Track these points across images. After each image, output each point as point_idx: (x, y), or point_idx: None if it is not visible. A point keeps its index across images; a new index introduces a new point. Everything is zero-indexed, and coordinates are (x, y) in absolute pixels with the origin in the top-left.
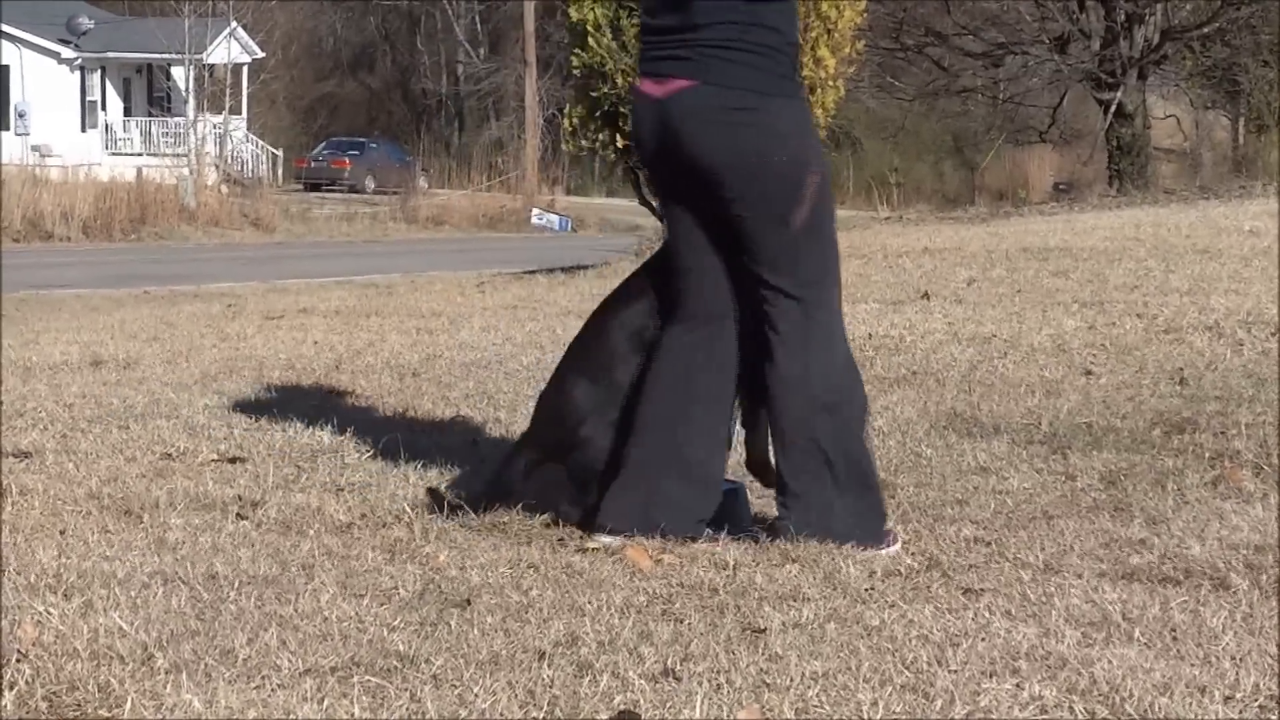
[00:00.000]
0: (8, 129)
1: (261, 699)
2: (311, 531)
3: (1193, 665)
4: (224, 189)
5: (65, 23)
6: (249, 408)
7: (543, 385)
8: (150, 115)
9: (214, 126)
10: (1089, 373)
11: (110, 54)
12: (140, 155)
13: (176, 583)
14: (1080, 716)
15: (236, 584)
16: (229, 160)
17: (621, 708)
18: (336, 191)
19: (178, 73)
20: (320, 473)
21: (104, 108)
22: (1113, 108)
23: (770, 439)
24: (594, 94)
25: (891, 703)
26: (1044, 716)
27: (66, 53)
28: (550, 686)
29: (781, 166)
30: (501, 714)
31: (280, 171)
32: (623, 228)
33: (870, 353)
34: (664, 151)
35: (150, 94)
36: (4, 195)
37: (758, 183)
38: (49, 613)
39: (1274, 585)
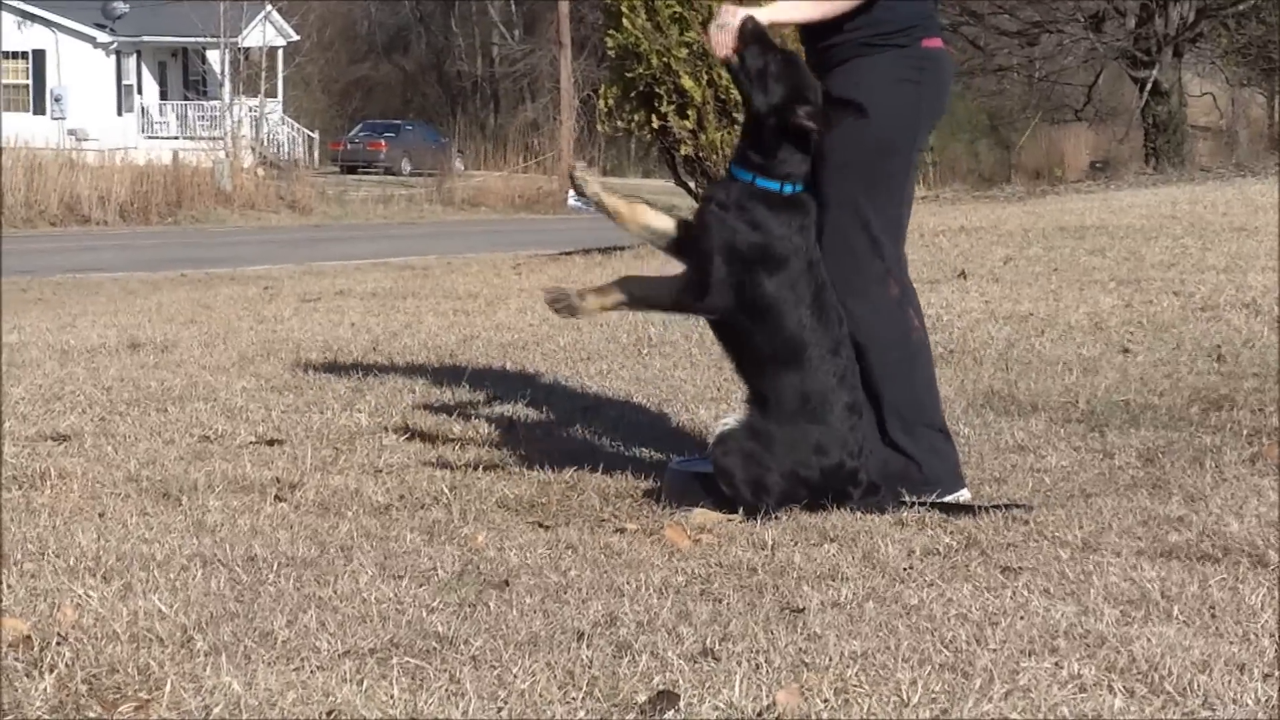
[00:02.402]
0: (44, 113)
1: (301, 680)
2: (350, 513)
3: (1231, 643)
4: (260, 172)
5: (101, 7)
6: (286, 390)
7: (579, 366)
8: (186, 99)
9: (250, 109)
10: (1126, 350)
11: (146, 38)
12: (176, 139)
13: (215, 565)
14: (1119, 694)
15: (275, 566)
16: (265, 143)
17: (660, 688)
18: (372, 174)
19: (213, 56)
20: (358, 454)
21: (140, 91)
22: (1148, 85)
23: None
24: (629, 74)
25: (930, 682)
26: (1083, 694)
27: (102, 37)
28: (589, 667)
29: None
30: (540, 695)
31: (316, 154)
32: (659, 208)
33: None
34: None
35: (186, 77)
36: (42, 179)
37: None
38: (88, 596)
39: None
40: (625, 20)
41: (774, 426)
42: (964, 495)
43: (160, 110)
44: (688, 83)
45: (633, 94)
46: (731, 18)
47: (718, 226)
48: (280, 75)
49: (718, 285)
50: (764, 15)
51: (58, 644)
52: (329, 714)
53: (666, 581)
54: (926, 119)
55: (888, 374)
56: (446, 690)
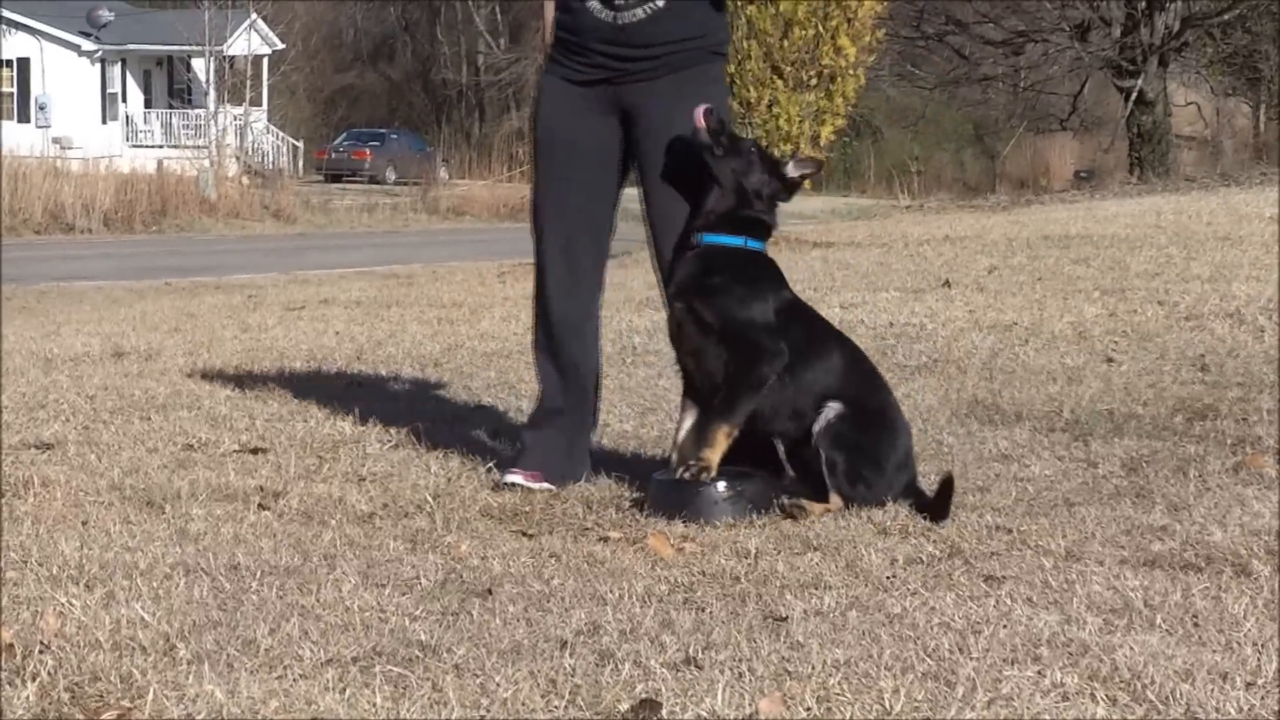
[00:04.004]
0: (28, 121)
1: (283, 689)
2: (333, 522)
3: (1214, 651)
4: (245, 180)
5: (85, 15)
6: (270, 398)
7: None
8: (171, 107)
9: (234, 118)
10: (1110, 360)
11: (130, 46)
12: (161, 147)
13: (198, 573)
14: (1102, 703)
15: (258, 574)
16: (249, 152)
17: (643, 696)
18: (357, 182)
19: (198, 64)
20: (342, 463)
21: (124, 100)
22: (1133, 95)
23: None
24: None
25: (913, 690)
26: (1065, 704)
27: (87, 45)
28: (572, 675)
29: None
30: (523, 703)
31: (301, 163)
32: (641, 217)
33: (891, 340)
34: None
35: (171, 86)
36: (26, 187)
37: None
38: (71, 604)
39: None
40: None
41: (867, 433)
42: None
43: (145, 118)
44: None
45: None
46: None
47: (741, 295)
48: (265, 83)
49: (773, 336)
50: None
51: (40, 652)
52: None
53: (649, 590)
54: None
55: None
56: (429, 699)
